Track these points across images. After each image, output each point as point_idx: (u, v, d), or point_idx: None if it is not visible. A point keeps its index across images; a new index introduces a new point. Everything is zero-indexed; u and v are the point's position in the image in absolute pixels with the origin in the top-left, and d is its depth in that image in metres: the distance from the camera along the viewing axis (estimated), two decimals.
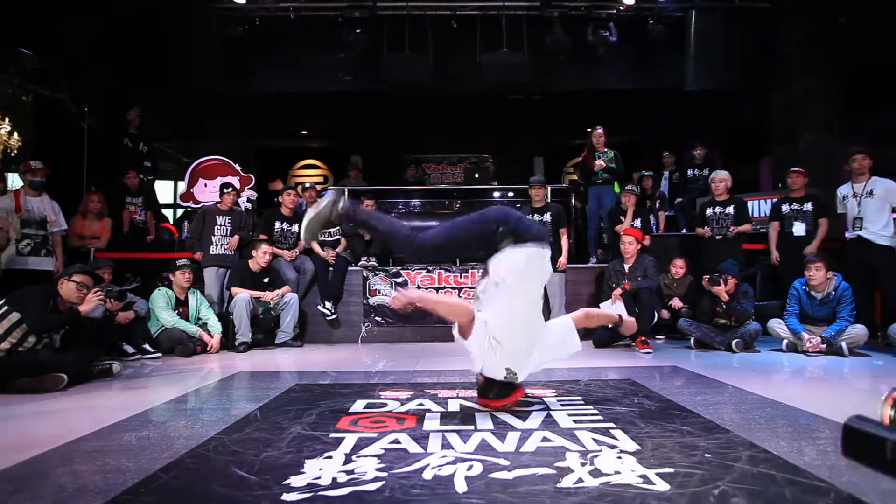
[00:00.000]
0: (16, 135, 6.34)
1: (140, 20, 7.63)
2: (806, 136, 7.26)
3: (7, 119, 6.30)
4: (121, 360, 4.17)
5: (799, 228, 5.41)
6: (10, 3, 6.06)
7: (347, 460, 1.83)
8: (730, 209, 5.46)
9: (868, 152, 4.97)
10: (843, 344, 4.31)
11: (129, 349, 4.54)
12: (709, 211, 5.56)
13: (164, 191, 9.68)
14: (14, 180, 5.77)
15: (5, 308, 3.27)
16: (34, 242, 4.73)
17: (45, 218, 4.79)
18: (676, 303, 5.36)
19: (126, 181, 6.34)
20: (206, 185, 6.93)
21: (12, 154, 6.21)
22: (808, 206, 5.43)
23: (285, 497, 1.52)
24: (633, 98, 8.81)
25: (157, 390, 3.35)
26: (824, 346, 4.34)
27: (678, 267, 5.51)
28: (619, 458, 1.82)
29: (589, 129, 6.32)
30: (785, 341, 4.59)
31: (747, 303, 4.72)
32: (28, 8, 6.34)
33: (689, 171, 7.37)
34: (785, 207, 5.56)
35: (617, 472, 1.68)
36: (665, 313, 5.35)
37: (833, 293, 4.48)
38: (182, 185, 7.25)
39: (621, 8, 7.83)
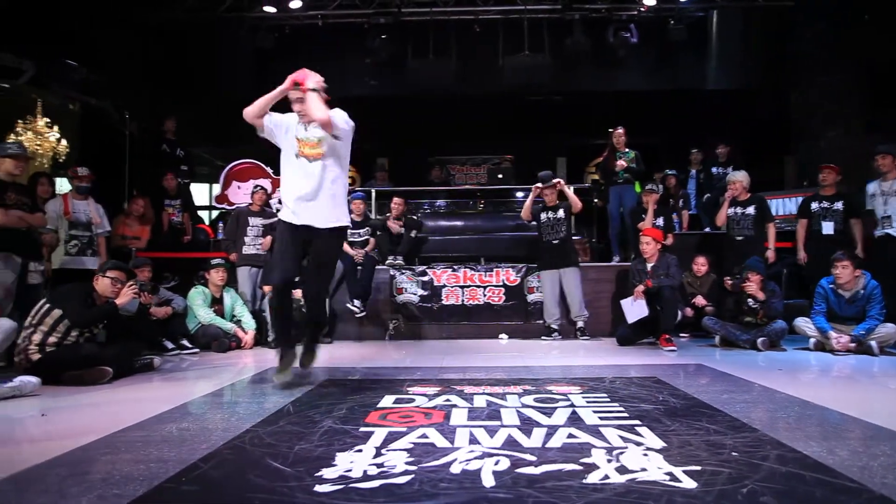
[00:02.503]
0: (64, 142, 6.66)
1: (177, 30, 7.90)
2: (828, 133, 7.06)
3: (56, 127, 6.62)
4: (161, 355, 4.33)
5: (827, 227, 5.22)
6: (57, 18, 6.35)
7: (377, 454, 1.87)
8: (750, 209, 5.30)
9: (893, 151, 4.80)
10: (874, 343, 4.20)
11: (169, 344, 4.72)
12: (730, 211, 5.42)
13: (200, 193, 9.95)
14: (63, 185, 6.05)
15: (48, 306, 3.42)
16: (81, 243, 4.95)
17: (91, 220, 5.01)
18: (700, 301, 5.29)
19: (164, 184, 6.57)
20: (239, 188, 7.12)
21: (61, 160, 6.53)
22: (839, 205, 5.25)
23: (318, 488, 1.56)
24: (654, 98, 8.74)
25: (195, 384, 3.47)
26: (853, 345, 4.24)
27: (699, 265, 5.44)
28: (646, 455, 1.82)
29: (610, 130, 6.30)
30: (812, 340, 4.50)
31: (777, 301, 4.64)
32: (73, 22, 6.63)
33: (714, 170, 7.23)
34: (814, 205, 5.38)
35: (643, 469, 1.68)
36: (689, 311, 5.29)
37: (862, 291, 4.37)
38: (217, 188, 7.47)
39: (642, 9, 7.78)
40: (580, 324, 5.52)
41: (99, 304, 3.59)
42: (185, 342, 4.83)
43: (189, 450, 1.94)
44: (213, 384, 3.35)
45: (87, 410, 2.73)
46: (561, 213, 5.51)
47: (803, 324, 4.60)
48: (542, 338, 5.55)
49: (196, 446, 1.98)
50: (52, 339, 3.37)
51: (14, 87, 6.45)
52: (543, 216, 5.56)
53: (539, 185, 5.53)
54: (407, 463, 1.77)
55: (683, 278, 5.36)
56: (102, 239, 5.16)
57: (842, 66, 7.12)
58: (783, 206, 6.60)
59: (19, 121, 6.76)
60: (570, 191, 5.54)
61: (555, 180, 5.57)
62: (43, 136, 6.76)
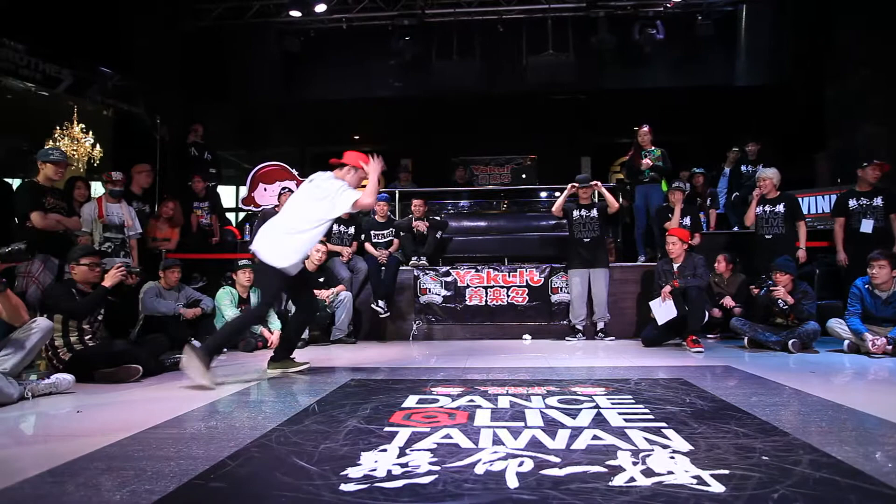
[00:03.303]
0: (98, 147, 6.89)
1: (205, 37, 8.09)
2: (864, 128, 6.81)
3: (91, 133, 6.86)
4: None
5: (867, 225, 5.04)
6: (91, 26, 6.57)
7: (401, 454, 1.87)
8: (780, 207, 5.17)
9: None
10: None
11: (198, 344, 4.82)
12: (759, 209, 5.29)
13: (227, 195, 10.17)
14: (97, 188, 6.24)
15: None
16: (114, 245, 5.10)
17: (124, 223, 5.17)
18: (728, 301, 5.18)
19: (192, 187, 6.71)
20: (265, 190, 7.26)
21: (95, 164, 6.75)
22: (878, 201, 5.07)
23: (343, 487, 1.57)
24: (680, 96, 8.62)
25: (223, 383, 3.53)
26: (890, 347, 4.08)
27: (719, 262, 5.33)
28: (672, 458, 1.79)
29: (635, 128, 6.22)
30: (846, 342, 4.36)
31: (809, 304, 4.50)
32: (107, 30, 6.85)
33: (743, 168, 7.06)
34: (852, 202, 5.20)
35: (670, 472, 1.66)
36: (716, 312, 5.19)
37: None
38: (243, 190, 7.61)
39: (668, 5, 7.67)
40: (601, 325, 5.47)
41: (88, 291, 3.58)
42: None
43: (217, 447, 1.97)
44: (240, 383, 3.40)
45: (120, 408, 2.81)
46: (594, 212, 5.47)
47: (837, 325, 4.46)
48: (567, 338, 5.51)
49: (224, 444, 2.01)
50: (73, 339, 3.46)
51: (53, 95, 6.70)
52: (576, 213, 5.51)
53: (576, 184, 5.49)
54: (431, 463, 1.78)
55: (711, 278, 5.26)
56: (134, 241, 5.31)
57: (880, 57, 6.87)
58: (815, 204, 6.41)
59: (57, 127, 7.03)
60: (606, 191, 5.49)
61: (592, 182, 5.52)
62: (79, 142, 7.01)
